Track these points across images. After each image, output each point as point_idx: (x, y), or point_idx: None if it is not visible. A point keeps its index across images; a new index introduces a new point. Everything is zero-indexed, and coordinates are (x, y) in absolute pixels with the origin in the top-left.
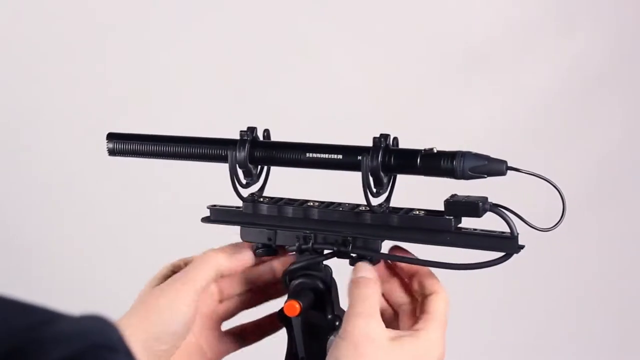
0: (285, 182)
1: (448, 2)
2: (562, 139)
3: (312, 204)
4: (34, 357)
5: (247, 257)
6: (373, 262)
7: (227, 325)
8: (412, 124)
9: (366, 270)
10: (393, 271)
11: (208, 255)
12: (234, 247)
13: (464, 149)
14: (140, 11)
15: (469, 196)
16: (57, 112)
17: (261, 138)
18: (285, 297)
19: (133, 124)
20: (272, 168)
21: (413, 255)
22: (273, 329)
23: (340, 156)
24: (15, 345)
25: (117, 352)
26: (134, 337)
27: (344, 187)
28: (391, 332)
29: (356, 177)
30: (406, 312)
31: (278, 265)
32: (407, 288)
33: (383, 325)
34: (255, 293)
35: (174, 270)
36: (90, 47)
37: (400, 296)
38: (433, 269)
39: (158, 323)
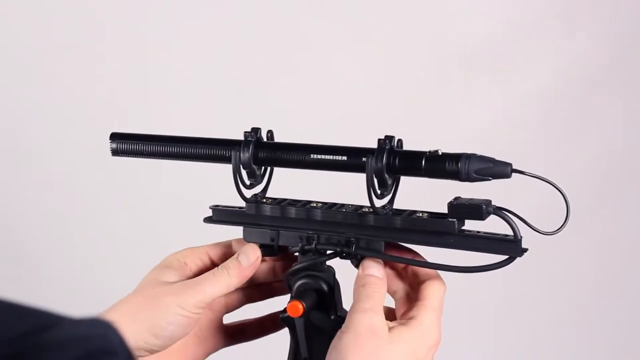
0: (288, 183)
1: (448, 3)
2: (562, 139)
3: (315, 204)
4: None
5: (255, 264)
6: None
7: (229, 318)
8: (414, 125)
9: (374, 268)
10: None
11: (222, 275)
12: (245, 256)
13: (466, 149)
14: (141, 11)
15: (472, 199)
16: (59, 112)
17: (265, 139)
18: (289, 296)
19: (136, 124)
20: (276, 169)
21: (415, 253)
22: (275, 328)
23: (344, 157)
24: (15, 350)
25: (117, 355)
26: (132, 325)
27: (348, 189)
28: (389, 324)
29: (360, 178)
30: (400, 299)
31: (279, 264)
32: (401, 276)
33: (385, 320)
34: (258, 289)
35: (180, 261)
36: (91, 47)
37: (395, 283)
38: None
39: (157, 320)
